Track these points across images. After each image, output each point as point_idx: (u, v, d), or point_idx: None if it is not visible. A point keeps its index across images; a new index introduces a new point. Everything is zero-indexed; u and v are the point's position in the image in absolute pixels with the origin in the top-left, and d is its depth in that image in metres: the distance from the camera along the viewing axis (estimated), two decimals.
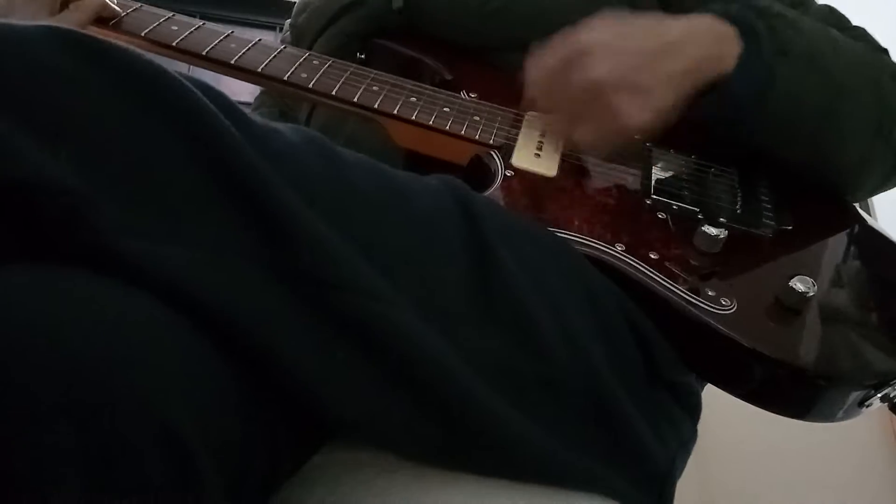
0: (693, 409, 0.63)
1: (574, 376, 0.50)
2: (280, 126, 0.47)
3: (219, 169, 0.40)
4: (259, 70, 0.68)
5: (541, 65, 0.62)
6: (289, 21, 0.90)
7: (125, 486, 0.34)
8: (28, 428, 0.32)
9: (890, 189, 0.72)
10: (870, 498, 1.21)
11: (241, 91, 0.92)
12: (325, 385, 0.42)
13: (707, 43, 0.62)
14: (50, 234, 0.37)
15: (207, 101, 0.41)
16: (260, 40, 0.71)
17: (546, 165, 0.65)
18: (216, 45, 0.69)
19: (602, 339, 0.52)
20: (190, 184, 0.40)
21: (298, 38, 0.84)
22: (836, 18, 0.75)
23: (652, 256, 0.59)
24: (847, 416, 0.58)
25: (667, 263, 0.59)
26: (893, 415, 0.66)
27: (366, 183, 0.47)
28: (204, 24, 0.71)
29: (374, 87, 0.69)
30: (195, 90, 0.42)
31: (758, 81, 0.62)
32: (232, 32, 0.71)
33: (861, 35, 0.73)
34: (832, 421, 0.59)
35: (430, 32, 0.77)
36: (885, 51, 0.73)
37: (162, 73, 0.41)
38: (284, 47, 0.71)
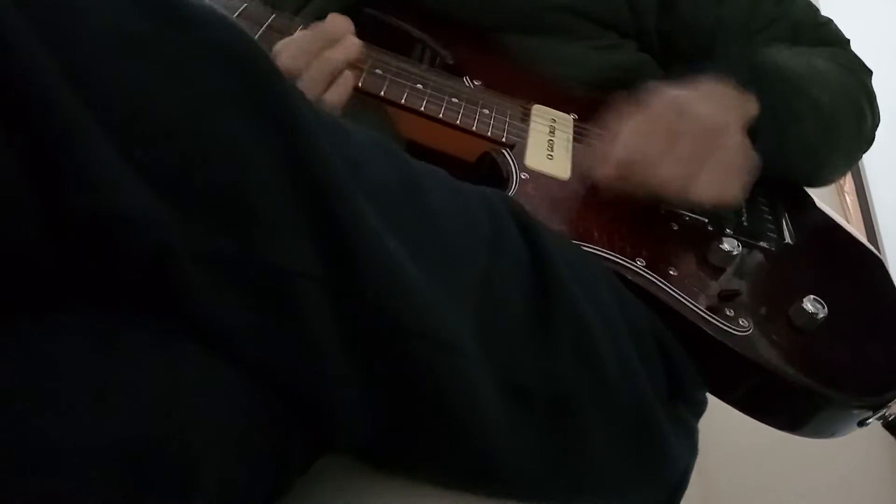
0: (700, 418, 0.64)
1: (624, 394, 0.50)
2: (343, 121, 0.42)
3: (305, 185, 0.34)
4: None
5: (640, 125, 0.58)
6: None
7: None
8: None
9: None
10: (870, 498, 1.27)
11: None
12: (364, 423, 0.40)
13: (737, 106, 0.62)
14: (115, 271, 0.31)
15: (290, 84, 0.35)
16: (246, 6, 0.64)
17: (559, 167, 0.63)
18: None
19: (640, 356, 0.52)
20: (276, 201, 0.33)
21: None
22: (811, 12, 0.77)
23: (672, 273, 0.58)
24: (844, 433, 0.60)
25: (686, 281, 0.58)
26: (890, 434, 0.68)
27: (438, 200, 0.43)
28: None
29: (377, 71, 0.63)
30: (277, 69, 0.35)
31: (774, 141, 0.63)
32: None
33: (829, 31, 0.76)
34: (828, 437, 0.61)
35: (424, 4, 0.71)
36: (861, 62, 0.75)
37: (255, 46, 0.34)
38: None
